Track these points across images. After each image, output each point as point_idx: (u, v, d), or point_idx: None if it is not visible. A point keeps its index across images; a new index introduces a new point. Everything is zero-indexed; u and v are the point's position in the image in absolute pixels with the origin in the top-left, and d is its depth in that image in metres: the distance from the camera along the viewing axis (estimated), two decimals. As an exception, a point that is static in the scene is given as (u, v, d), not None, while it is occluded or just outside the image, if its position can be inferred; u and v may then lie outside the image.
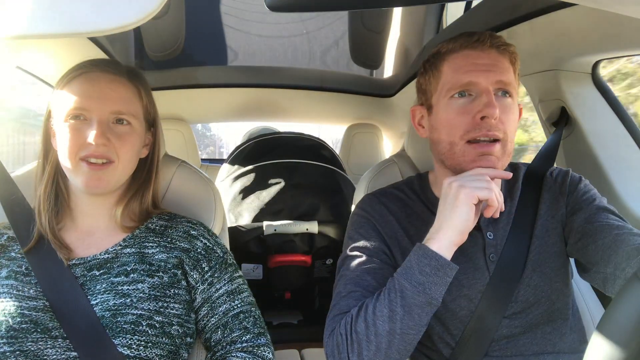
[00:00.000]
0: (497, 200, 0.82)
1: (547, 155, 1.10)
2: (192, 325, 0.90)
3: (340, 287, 0.90)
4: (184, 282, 0.90)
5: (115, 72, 0.90)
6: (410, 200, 1.00)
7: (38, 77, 1.28)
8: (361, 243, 0.94)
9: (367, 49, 2.26)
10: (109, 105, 0.87)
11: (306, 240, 1.69)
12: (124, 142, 0.88)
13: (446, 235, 0.81)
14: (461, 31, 0.93)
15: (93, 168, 0.85)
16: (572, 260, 0.97)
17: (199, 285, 0.91)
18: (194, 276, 0.91)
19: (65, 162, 0.86)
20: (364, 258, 0.92)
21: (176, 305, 0.87)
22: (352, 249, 0.95)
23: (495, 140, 0.85)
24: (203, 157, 3.10)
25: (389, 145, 2.72)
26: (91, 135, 0.83)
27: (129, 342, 0.79)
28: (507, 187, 0.99)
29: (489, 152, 0.85)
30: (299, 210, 1.67)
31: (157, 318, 0.83)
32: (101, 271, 0.87)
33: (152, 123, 0.97)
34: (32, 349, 0.77)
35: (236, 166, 1.81)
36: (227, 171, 1.84)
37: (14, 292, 0.82)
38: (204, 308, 0.91)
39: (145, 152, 0.97)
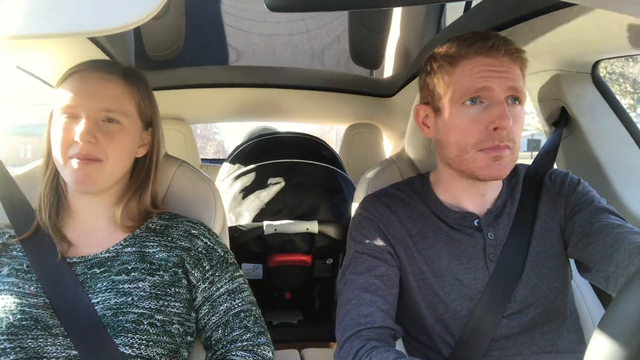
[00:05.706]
0: None
1: (547, 155, 1.10)
2: (193, 324, 0.90)
3: (349, 293, 0.90)
4: (184, 281, 0.90)
5: (108, 71, 0.90)
6: (412, 201, 0.99)
7: (38, 77, 1.28)
8: (366, 244, 0.94)
9: (367, 49, 2.26)
10: (98, 102, 0.86)
11: (306, 240, 1.69)
12: (113, 140, 0.87)
13: None
14: (461, 31, 0.92)
15: (81, 163, 0.85)
16: (572, 262, 0.97)
17: (200, 284, 0.91)
18: (195, 275, 0.91)
19: (57, 159, 0.88)
20: (369, 260, 0.92)
21: (177, 304, 0.87)
22: (357, 251, 0.94)
23: (506, 147, 0.86)
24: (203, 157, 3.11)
25: (389, 145, 2.72)
26: (77, 133, 0.84)
27: (131, 341, 0.80)
28: (509, 188, 0.99)
29: (500, 155, 0.85)
30: (299, 210, 1.67)
31: (158, 317, 0.83)
32: (102, 269, 0.87)
33: (149, 122, 0.96)
34: (32, 345, 0.77)
35: (236, 166, 1.81)
36: (227, 171, 1.84)
37: (15, 289, 0.82)
38: (204, 307, 0.91)
39: (143, 151, 0.96)
